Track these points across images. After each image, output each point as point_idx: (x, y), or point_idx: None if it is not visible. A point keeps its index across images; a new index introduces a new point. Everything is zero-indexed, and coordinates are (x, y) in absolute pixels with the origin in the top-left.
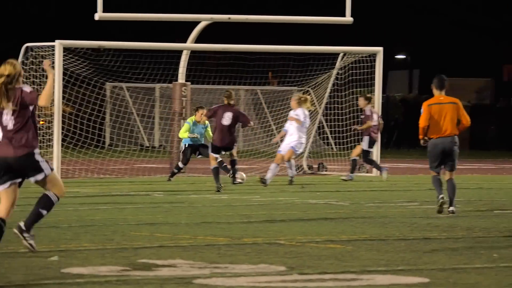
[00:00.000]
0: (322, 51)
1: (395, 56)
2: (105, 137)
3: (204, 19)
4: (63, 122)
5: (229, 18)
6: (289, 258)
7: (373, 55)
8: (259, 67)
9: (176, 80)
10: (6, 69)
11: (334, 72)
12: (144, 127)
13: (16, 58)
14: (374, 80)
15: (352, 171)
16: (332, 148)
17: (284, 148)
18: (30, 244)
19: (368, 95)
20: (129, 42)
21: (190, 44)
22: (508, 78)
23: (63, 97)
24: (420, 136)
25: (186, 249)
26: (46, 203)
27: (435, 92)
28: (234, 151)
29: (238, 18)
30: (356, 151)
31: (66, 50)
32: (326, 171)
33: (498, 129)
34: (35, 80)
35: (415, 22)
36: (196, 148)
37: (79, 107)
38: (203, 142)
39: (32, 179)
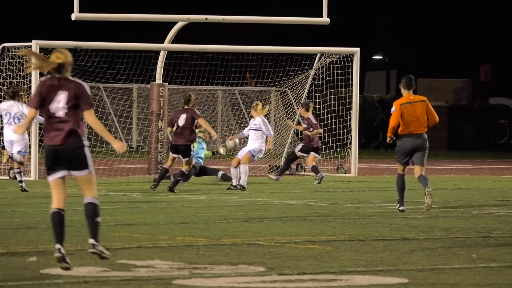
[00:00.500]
0: (299, 51)
1: (373, 57)
2: None
3: (181, 20)
4: (41, 123)
5: (206, 19)
6: (268, 258)
7: (350, 56)
8: (236, 67)
9: (154, 81)
10: (58, 57)
11: (312, 72)
12: (122, 128)
13: None
14: (351, 80)
15: (317, 172)
16: None
17: (243, 152)
18: (101, 251)
19: (308, 103)
20: (106, 43)
21: (167, 45)
22: (485, 78)
23: None
24: (389, 134)
25: (165, 250)
26: (93, 209)
27: (404, 91)
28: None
29: (215, 19)
30: (310, 159)
31: (43, 50)
32: (304, 171)
33: (475, 129)
34: (12, 80)
35: (392, 22)
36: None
37: None
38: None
39: (74, 173)
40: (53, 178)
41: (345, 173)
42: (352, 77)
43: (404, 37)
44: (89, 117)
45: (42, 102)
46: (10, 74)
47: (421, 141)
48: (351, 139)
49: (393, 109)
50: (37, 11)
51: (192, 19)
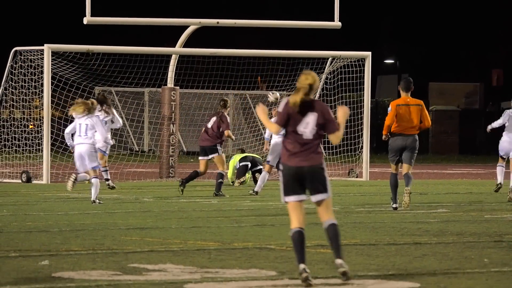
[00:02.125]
0: (311, 55)
1: (384, 61)
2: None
3: (193, 24)
4: (52, 127)
5: (218, 23)
6: (280, 262)
7: (362, 60)
8: (247, 71)
9: (165, 85)
10: (307, 78)
11: (323, 76)
12: (134, 132)
13: (5, 62)
14: (363, 84)
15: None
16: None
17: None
18: (348, 271)
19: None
20: (118, 46)
21: (179, 49)
22: (497, 82)
23: (52, 102)
24: (384, 132)
25: (177, 254)
26: (336, 230)
27: (402, 93)
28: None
29: (226, 23)
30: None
31: (55, 54)
32: None
33: (487, 133)
34: (24, 84)
35: (403, 26)
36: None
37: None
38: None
39: (314, 198)
40: (293, 199)
41: (357, 177)
42: (363, 81)
43: (416, 41)
44: (334, 139)
45: (287, 122)
46: (22, 78)
47: (410, 141)
48: (362, 143)
49: (389, 109)
50: (49, 15)
51: (203, 23)
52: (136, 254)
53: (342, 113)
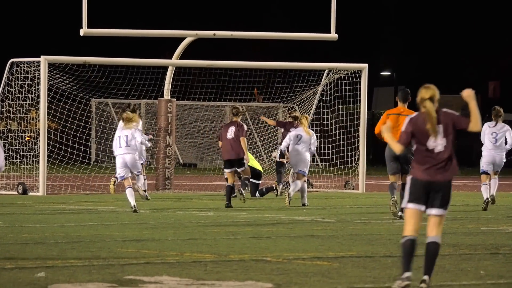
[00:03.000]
0: (307, 67)
1: (381, 73)
2: (91, 153)
3: (189, 35)
4: (49, 138)
5: (214, 35)
6: (276, 275)
7: (358, 72)
8: (244, 83)
9: (162, 96)
10: (428, 92)
11: (320, 88)
12: None
13: (1, 73)
14: (359, 96)
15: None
16: (318, 165)
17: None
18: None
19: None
20: (114, 58)
21: (175, 60)
22: (494, 94)
23: (48, 113)
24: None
25: (173, 266)
26: (437, 249)
27: (399, 104)
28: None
29: (223, 35)
30: None
31: (51, 65)
32: (312, 187)
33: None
34: (20, 95)
35: (400, 38)
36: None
37: (65, 123)
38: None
39: (432, 211)
40: (414, 207)
41: (353, 189)
42: (360, 93)
43: (412, 53)
44: (474, 126)
45: (412, 138)
46: (18, 90)
47: (404, 152)
48: (359, 155)
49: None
50: (46, 27)
51: (200, 35)
52: (132, 266)
53: (467, 96)
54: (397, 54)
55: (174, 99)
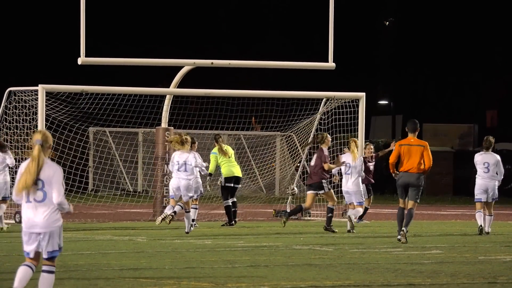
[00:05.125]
0: (305, 96)
1: (378, 102)
2: (88, 182)
3: (187, 64)
4: None
5: (212, 63)
6: None
7: (356, 100)
8: (242, 112)
9: (159, 125)
10: None
11: (317, 117)
12: (127, 172)
13: None
14: (357, 125)
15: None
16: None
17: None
18: None
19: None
20: (112, 87)
21: (173, 89)
22: (491, 123)
23: None
24: (391, 170)
25: None
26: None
27: (409, 134)
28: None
29: (221, 63)
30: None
31: (49, 94)
32: (310, 216)
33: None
34: (18, 124)
35: (398, 67)
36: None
37: (61, 152)
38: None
39: None
40: None
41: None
42: (357, 122)
43: (410, 82)
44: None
45: None
46: (16, 118)
47: (413, 179)
48: None
49: (393, 148)
50: (43, 55)
51: (198, 63)
52: None
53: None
54: (394, 83)
55: (172, 128)
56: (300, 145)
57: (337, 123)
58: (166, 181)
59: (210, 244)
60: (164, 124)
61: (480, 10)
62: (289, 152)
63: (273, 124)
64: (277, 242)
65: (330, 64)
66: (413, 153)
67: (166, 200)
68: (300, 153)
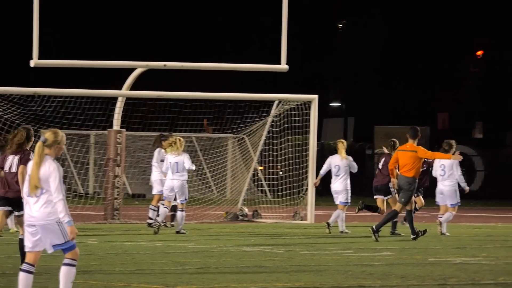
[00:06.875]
0: (257, 98)
1: (330, 104)
2: None
3: (140, 66)
4: None
5: (165, 65)
6: None
7: (308, 103)
8: (194, 114)
9: (111, 127)
10: None
11: (269, 119)
12: (78, 174)
13: None
14: (309, 127)
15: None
16: (266, 196)
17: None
18: None
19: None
20: (64, 89)
21: (125, 91)
22: (443, 126)
23: None
24: (390, 175)
25: None
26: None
27: (409, 140)
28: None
29: (173, 65)
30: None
31: (1, 96)
32: (260, 218)
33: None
34: None
35: (350, 69)
36: None
37: None
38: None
39: None
40: None
41: (302, 220)
42: (309, 124)
43: (362, 85)
44: None
45: None
46: None
47: (403, 182)
48: (307, 186)
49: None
50: None
51: (150, 65)
52: None
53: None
54: (346, 86)
55: (124, 130)
56: (252, 148)
57: (290, 125)
58: (117, 183)
59: (161, 247)
60: (116, 126)
61: (427, 12)
62: (241, 155)
63: (225, 127)
64: (228, 244)
65: (283, 66)
66: (407, 158)
67: (117, 202)
68: (252, 156)
